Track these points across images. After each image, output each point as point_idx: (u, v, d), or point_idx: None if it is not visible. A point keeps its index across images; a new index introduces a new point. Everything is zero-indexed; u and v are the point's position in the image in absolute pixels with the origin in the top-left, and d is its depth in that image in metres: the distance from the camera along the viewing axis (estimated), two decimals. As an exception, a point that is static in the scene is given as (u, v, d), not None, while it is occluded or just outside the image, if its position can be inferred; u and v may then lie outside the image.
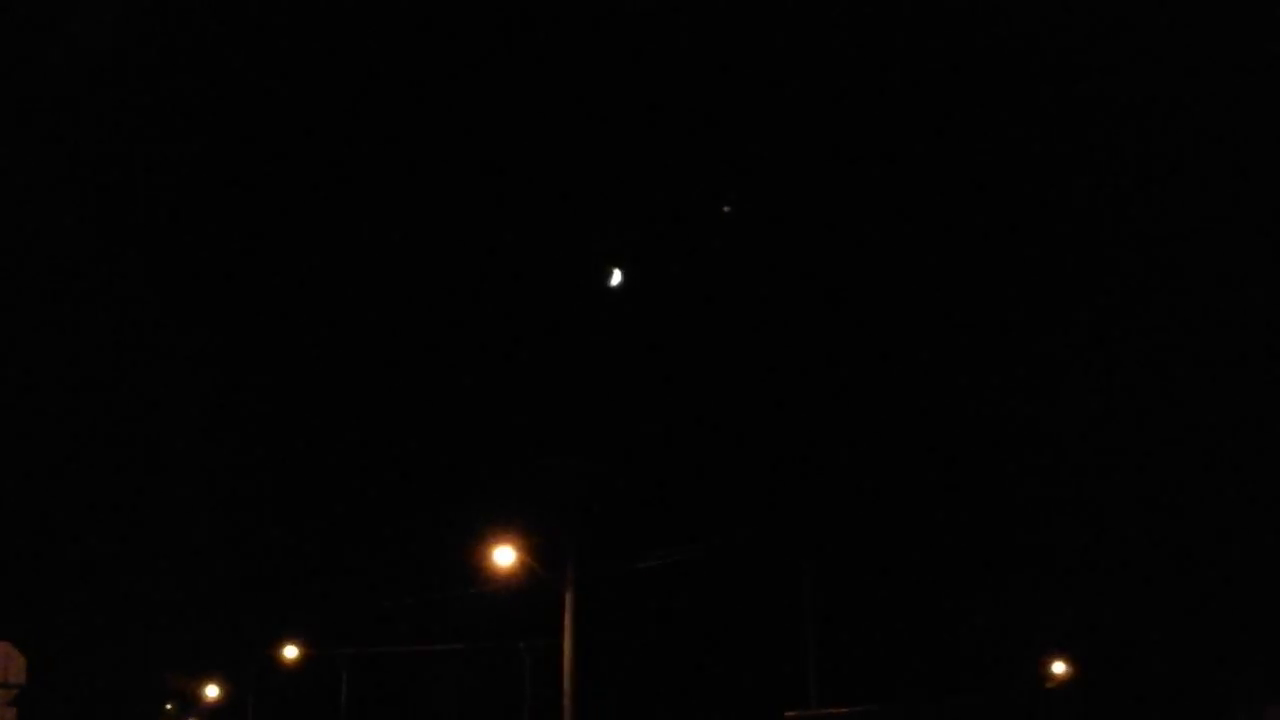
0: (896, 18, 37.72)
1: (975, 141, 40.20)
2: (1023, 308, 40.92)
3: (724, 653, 42.36)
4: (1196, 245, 34.48)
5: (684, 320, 43.12)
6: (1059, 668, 41.63)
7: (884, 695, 33.14)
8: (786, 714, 29.83)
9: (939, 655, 40.33)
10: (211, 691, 56.59)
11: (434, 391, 51.28)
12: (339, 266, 55.24)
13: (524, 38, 43.00)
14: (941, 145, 41.35)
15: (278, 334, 54.75)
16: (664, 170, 42.74)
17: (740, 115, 41.23)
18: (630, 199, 41.20)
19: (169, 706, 59.02)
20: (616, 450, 40.62)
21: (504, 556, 26.79)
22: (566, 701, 26.82)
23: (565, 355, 43.59)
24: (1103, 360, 37.42)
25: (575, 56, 42.10)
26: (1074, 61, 34.91)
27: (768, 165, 41.92)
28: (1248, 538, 33.06)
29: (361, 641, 46.60)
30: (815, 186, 42.32)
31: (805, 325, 43.17)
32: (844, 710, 29.72)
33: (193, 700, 58.01)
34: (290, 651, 48.07)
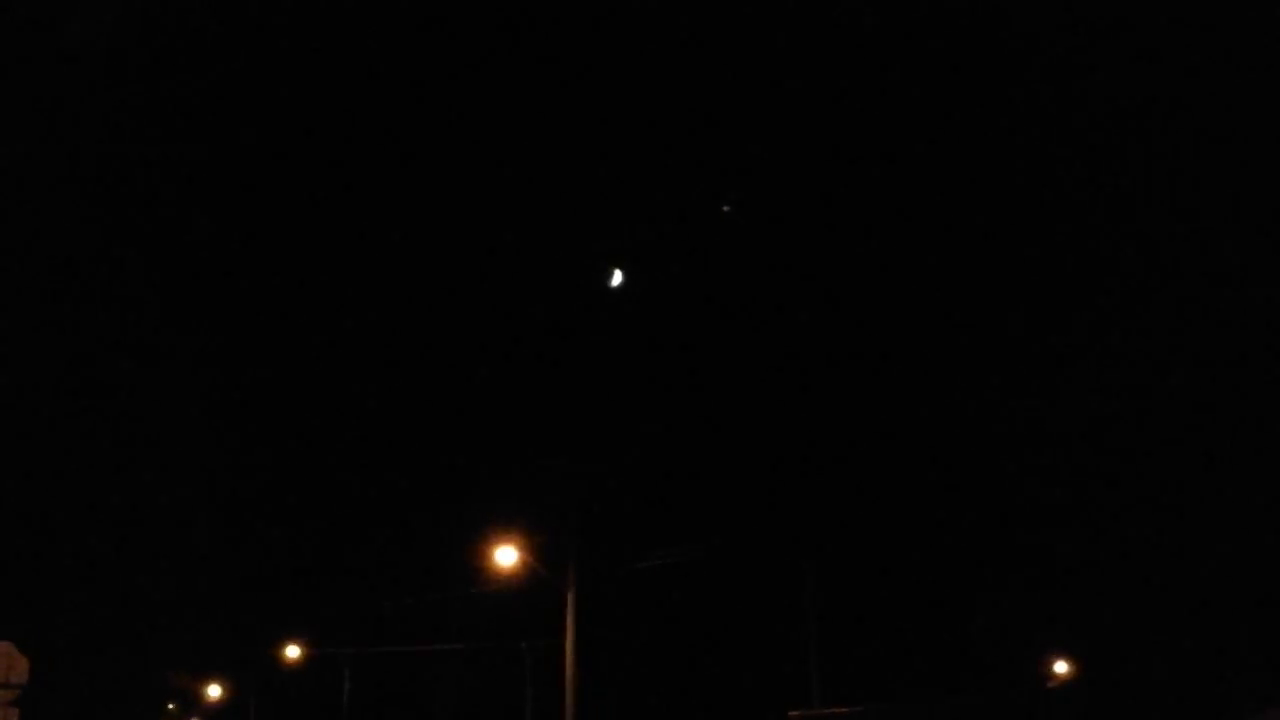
0: (896, 18, 37.74)
1: (975, 141, 40.23)
2: (1023, 308, 40.96)
3: (725, 653, 42.41)
4: (1196, 245, 34.51)
5: (684, 320, 43.18)
6: (1059, 668, 41.65)
7: (885, 695, 33.16)
8: (789, 714, 29.86)
9: (939, 655, 40.37)
10: (213, 691, 56.67)
11: (435, 391, 51.35)
12: (340, 266, 55.27)
13: (524, 38, 43.03)
14: (941, 145, 41.39)
15: (278, 334, 54.79)
16: (664, 170, 42.79)
17: (740, 115, 41.28)
18: (630, 199, 41.24)
19: (171, 706, 59.10)
20: (617, 450, 40.67)
21: (505, 556, 26.84)
22: (567, 701, 26.86)
23: (566, 355, 43.64)
24: (1103, 360, 37.43)
25: (575, 57, 42.16)
26: (1074, 61, 34.94)
27: (768, 165, 41.97)
28: (1248, 538, 33.07)
29: (363, 641, 46.67)
30: (815, 186, 42.37)
31: (805, 325, 43.23)
32: (845, 710, 29.76)
33: (194, 700, 58.08)
34: (292, 651, 48.12)
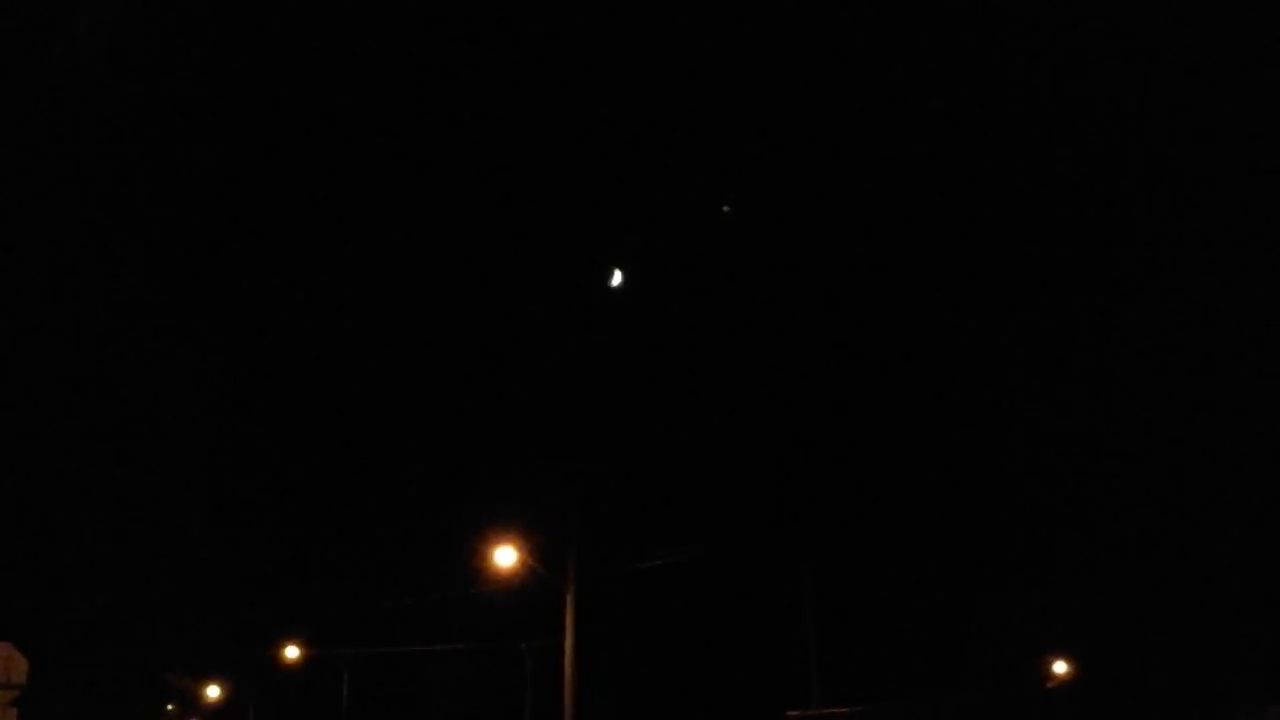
0: (897, 18, 37.75)
1: (975, 141, 40.22)
2: (1023, 308, 40.96)
3: (724, 653, 42.39)
4: (1197, 245, 34.50)
5: (684, 320, 43.16)
6: (1059, 668, 41.64)
7: (885, 695, 33.14)
8: (788, 714, 29.86)
9: (939, 655, 40.35)
10: (213, 692, 56.63)
11: (435, 392, 51.34)
12: (340, 266, 55.26)
13: (524, 38, 43.03)
14: (942, 145, 41.37)
15: (278, 334, 54.80)
16: (664, 170, 42.75)
17: (740, 115, 41.26)
18: (630, 199, 41.22)
19: (170, 707, 59.07)
20: (617, 450, 40.67)
21: (505, 557, 26.82)
22: (567, 701, 26.84)
23: (565, 355, 43.60)
24: (1102, 360, 37.43)
25: (575, 57, 42.15)
26: (1074, 61, 34.94)
27: (768, 165, 41.96)
28: (1247, 538, 33.07)
29: (363, 642, 46.65)
30: (815, 186, 42.37)
31: (805, 325, 43.22)
32: (845, 710, 29.74)
33: (194, 700, 58.04)
34: (291, 652, 48.09)
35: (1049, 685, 40.19)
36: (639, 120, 43.64)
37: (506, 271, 48.74)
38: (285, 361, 54.01)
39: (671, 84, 42.87)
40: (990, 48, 36.01)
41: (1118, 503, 37.61)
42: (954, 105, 39.50)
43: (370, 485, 54.39)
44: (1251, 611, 31.20)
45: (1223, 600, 32.87)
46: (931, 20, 36.85)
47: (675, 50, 40.47)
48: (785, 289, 44.26)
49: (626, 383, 42.73)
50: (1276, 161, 31.16)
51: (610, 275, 30.60)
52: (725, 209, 36.84)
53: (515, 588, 31.88)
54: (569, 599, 26.94)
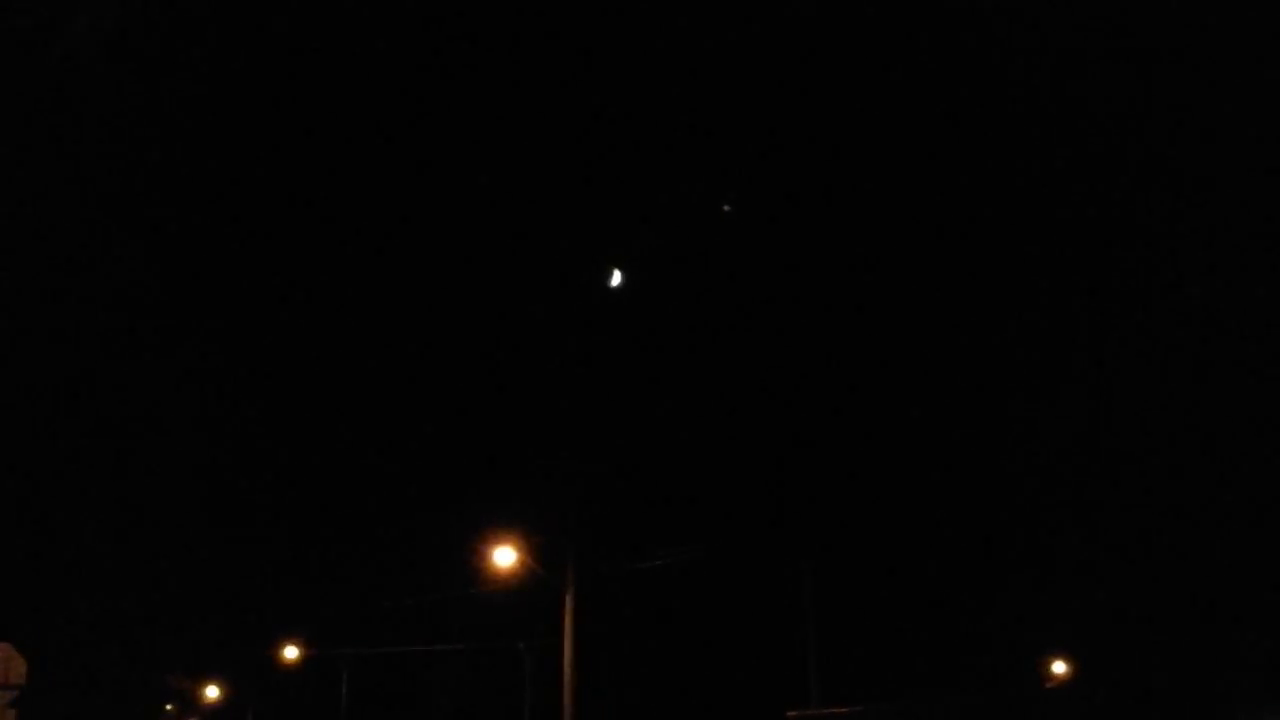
0: (897, 18, 37.73)
1: (976, 141, 40.22)
2: (1022, 308, 40.96)
3: (724, 653, 42.39)
4: (1197, 245, 34.50)
5: (684, 320, 43.17)
6: (1059, 668, 41.65)
7: (884, 695, 33.14)
8: (788, 714, 29.85)
9: (939, 655, 40.35)
10: (212, 692, 56.61)
11: (434, 392, 51.35)
12: (340, 266, 55.25)
13: (524, 38, 43.01)
14: (942, 145, 41.37)
15: (278, 334, 54.77)
16: (664, 170, 42.73)
17: (740, 115, 41.25)
18: (630, 199, 41.22)
19: (169, 707, 59.05)
20: (617, 450, 40.68)
21: (504, 557, 26.82)
22: (566, 701, 26.83)
23: (565, 355, 43.62)
24: (1102, 361, 37.44)
25: (575, 57, 42.13)
26: (1074, 61, 34.93)
27: (768, 165, 41.96)
28: (1247, 538, 33.07)
29: (362, 642, 46.64)
30: (816, 186, 42.36)
31: (805, 325, 43.21)
32: (844, 710, 29.74)
33: (193, 701, 58.03)
34: (291, 652, 48.09)
35: (1049, 685, 40.20)
36: (639, 120, 43.64)
37: (506, 271, 48.76)
38: (285, 361, 54.03)
39: (672, 84, 42.87)
40: (990, 48, 36.02)
41: (1118, 503, 37.62)
42: (954, 105, 39.52)
43: (370, 485, 54.42)
44: (1251, 611, 31.20)
45: (1223, 600, 32.88)
46: (931, 20, 36.86)
47: (675, 50, 40.46)
48: (785, 289, 44.28)
49: (626, 382, 42.76)
50: (1276, 161, 31.16)
51: (610, 275, 30.63)
52: (725, 209, 36.86)
53: (515, 588, 31.87)
54: (569, 599, 26.94)
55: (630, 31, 40.48)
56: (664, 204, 40.23)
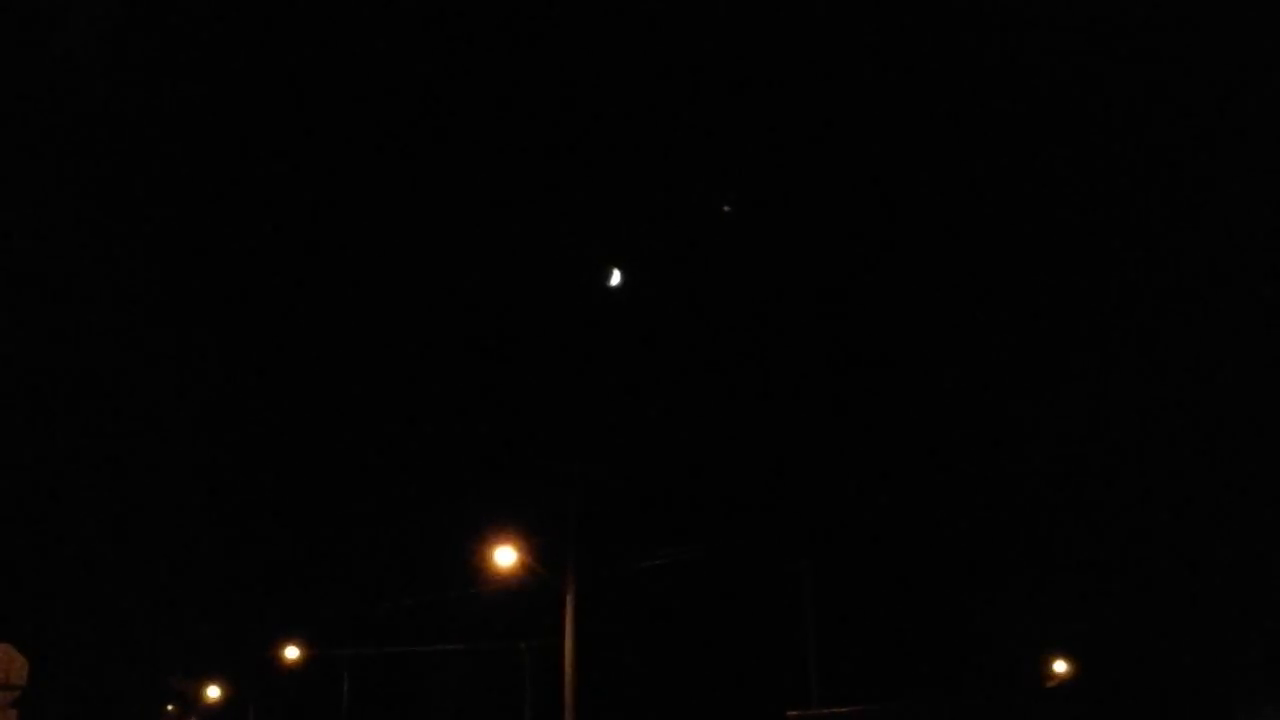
0: (897, 18, 37.74)
1: (975, 141, 40.23)
2: (1022, 308, 40.97)
3: (724, 653, 42.38)
4: (1197, 245, 34.50)
5: (684, 321, 43.18)
6: (1059, 668, 41.64)
7: (885, 695, 33.15)
8: (788, 714, 29.86)
9: (939, 655, 40.35)
10: (212, 692, 56.66)
11: (434, 392, 51.33)
12: (339, 266, 55.23)
13: (524, 38, 43.01)
14: (942, 145, 41.38)
15: (277, 334, 54.74)
16: (664, 170, 42.73)
17: (740, 115, 41.26)
18: (630, 199, 41.22)
19: (170, 707, 59.05)
20: (617, 451, 40.67)
21: (504, 557, 26.84)
22: (567, 701, 26.84)
23: (565, 355, 43.64)
24: (1103, 360, 37.42)
25: (575, 57, 42.12)
26: (1074, 61, 34.93)
27: (768, 165, 41.97)
28: (1247, 538, 33.06)
29: (362, 642, 46.67)
30: (816, 186, 42.36)
31: (805, 325, 43.23)
32: (844, 710, 29.75)
33: (194, 701, 58.06)
34: (291, 652, 48.12)
35: (1049, 685, 40.20)
36: (639, 120, 43.64)
37: (507, 271, 48.75)
38: (285, 361, 53.99)
39: (672, 84, 42.88)
40: (990, 48, 36.02)
41: (1118, 503, 37.61)
42: (954, 105, 39.53)
43: (370, 485, 54.40)
44: (1251, 611, 31.20)
45: (1222, 600, 32.88)
46: (932, 20, 36.86)
47: (675, 50, 40.46)
48: (785, 289, 44.29)
49: (626, 383, 42.77)
50: (1277, 161, 31.16)
51: (610, 275, 30.66)
52: (725, 209, 36.87)
53: (515, 588, 31.90)
54: (569, 599, 26.95)
55: (630, 31, 40.50)
56: (664, 204, 40.27)
